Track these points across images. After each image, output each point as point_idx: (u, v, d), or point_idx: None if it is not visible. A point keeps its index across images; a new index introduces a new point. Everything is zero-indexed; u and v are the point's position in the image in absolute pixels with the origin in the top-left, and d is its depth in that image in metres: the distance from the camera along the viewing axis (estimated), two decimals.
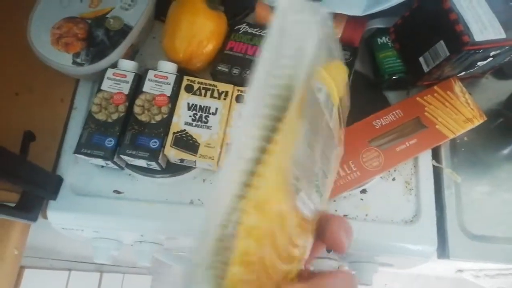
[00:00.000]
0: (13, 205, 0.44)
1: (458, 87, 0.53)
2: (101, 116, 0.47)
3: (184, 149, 0.47)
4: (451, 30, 0.45)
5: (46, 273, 0.57)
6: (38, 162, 0.45)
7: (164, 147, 0.47)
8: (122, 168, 0.50)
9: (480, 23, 0.46)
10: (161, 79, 0.50)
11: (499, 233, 0.50)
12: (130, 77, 0.49)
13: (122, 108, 0.48)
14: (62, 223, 0.50)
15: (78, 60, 0.49)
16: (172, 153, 0.47)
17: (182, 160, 0.48)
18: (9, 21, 0.53)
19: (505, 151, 0.55)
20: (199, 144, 0.47)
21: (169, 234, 0.51)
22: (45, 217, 0.48)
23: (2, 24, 0.54)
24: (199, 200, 0.50)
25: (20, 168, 0.41)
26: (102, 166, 0.51)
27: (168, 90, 0.49)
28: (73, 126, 0.52)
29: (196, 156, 0.47)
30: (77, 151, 0.46)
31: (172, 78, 0.50)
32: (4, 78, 0.53)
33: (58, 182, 0.49)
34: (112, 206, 0.49)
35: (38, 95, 0.53)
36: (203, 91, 0.50)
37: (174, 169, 0.50)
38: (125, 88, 0.49)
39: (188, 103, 0.49)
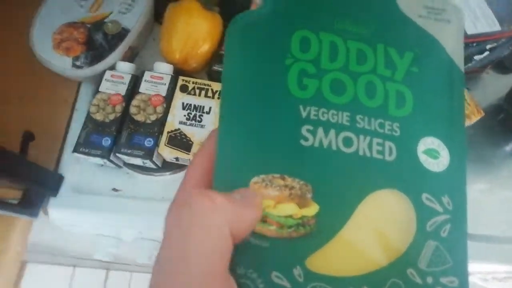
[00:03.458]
0: (15, 202, 0.46)
1: None
2: (98, 117, 0.49)
3: (178, 147, 0.48)
4: None
5: (50, 269, 0.59)
6: (41, 161, 0.47)
7: (158, 145, 0.48)
8: (120, 167, 0.52)
9: (473, 15, 0.45)
10: (156, 80, 0.51)
11: (499, 232, 0.49)
12: (127, 79, 0.51)
13: (119, 108, 0.49)
14: (63, 219, 0.51)
15: (78, 63, 0.51)
16: (167, 152, 0.48)
17: (177, 159, 0.50)
18: (14, 28, 0.56)
19: (507, 148, 0.54)
20: (192, 142, 0.48)
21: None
22: (46, 213, 0.50)
23: (6, 31, 0.57)
24: None
25: (19, 167, 0.43)
26: (101, 165, 0.52)
27: (163, 91, 0.50)
28: (75, 127, 0.54)
29: (189, 154, 0.48)
30: (76, 150, 0.47)
31: (167, 79, 0.51)
32: (9, 83, 0.55)
33: (58, 180, 0.50)
34: (111, 203, 0.50)
35: (42, 98, 0.55)
36: (197, 91, 0.51)
37: (170, 167, 0.51)
38: (122, 89, 0.50)
39: (183, 103, 0.50)
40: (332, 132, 0.19)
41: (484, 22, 0.45)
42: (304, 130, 0.19)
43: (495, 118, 0.55)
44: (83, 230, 0.54)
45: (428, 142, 0.20)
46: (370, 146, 0.19)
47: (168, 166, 0.52)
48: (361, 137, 0.19)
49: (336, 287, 0.18)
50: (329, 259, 0.18)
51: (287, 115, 0.19)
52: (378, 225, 0.18)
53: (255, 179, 0.18)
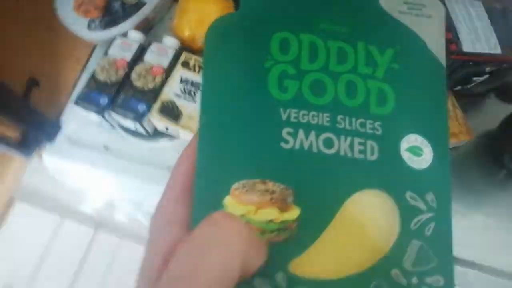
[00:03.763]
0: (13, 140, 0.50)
1: (450, 101, 0.52)
2: (101, 77, 0.52)
3: (167, 116, 0.50)
4: None
5: (38, 213, 0.63)
6: (44, 109, 0.51)
7: (150, 112, 0.51)
8: (114, 127, 0.55)
9: (474, 35, 0.45)
10: (161, 52, 0.54)
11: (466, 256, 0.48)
12: (134, 47, 0.54)
13: (121, 72, 0.52)
14: (55, 166, 0.55)
15: (92, 26, 0.55)
16: (157, 118, 0.50)
17: (167, 129, 0.52)
18: None
19: (492, 176, 0.53)
20: (182, 114, 0.51)
21: (144, 192, 0.54)
22: (40, 158, 0.54)
23: None
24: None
25: (20, 108, 0.47)
26: (98, 124, 0.56)
27: (165, 62, 0.53)
28: (82, 84, 0.58)
29: (178, 125, 0.50)
30: (76, 102, 0.51)
31: (171, 52, 0.54)
32: (28, 34, 0.60)
33: (56, 128, 0.54)
34: (99, 158, 0.54)
35: (56, 54, 0.60)
36: (197, 68, 0.54)
37: (159, 136, 0.54)
38: (128, 56, 0.53)
39: (181, 77, 0.53)
40: (312, 134, 0.19)
41: (484, 44, 0.45)
42: (284, 132, 0.19)
43: (486, 144, 0.54)
44: (72, 181, 0.58)
45: (411, 140, 0.20)
46: (351, 146, 0.19)
47: (158, 135, 0.54)
48: (342, 137, 0.19)
49: None
50: (312, 263, 0.18)
51: (267, 118, 0.19)
52: (361, 226, 0.18)
53: (235, 185, 0.18)
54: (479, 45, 0.45)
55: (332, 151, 0.19)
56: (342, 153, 0.19)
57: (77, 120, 0.56)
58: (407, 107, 0.21)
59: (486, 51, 0.45)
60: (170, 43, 0.55)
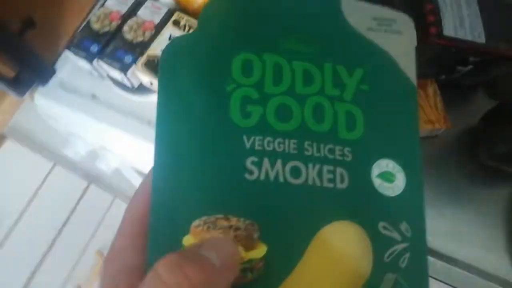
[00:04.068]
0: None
1: (432, 88, 0.51)
2: (95, 26, 0.54)
3: (151, 71, 0.52)
4: (424, 20, 0.45)
5: (29, 155, 0.67)
6: (44, 53, 0.54)
7: (136, 64, 0.53)
8: (103, 78, 0.57)
9: (459, 21, 0.45)
10: (155, 9, 0.55)
11: None
12: (130, 2, 0.56)
13: (114, 24, 0.54)
14: (45, 109, 0.58)
15: None
16: (141, 72, 0.52)
17: (151, 84, 0.54)
18: None
19: (463, 171, 0.53)
20: None
21: (126, 145, 0.57)
22: (32, 99, 0.57)
23: None
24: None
25: (15, 46, 0.50)
26: (89, 72, 0.58)
27: (157, 19, 0.55)
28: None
29: None
30: (68, 47, 0.53)
31: (164, 10, 0.55)
32: None
33: (50, 72, 0.57)
34: (86, 106, 0.56)
35: (62, 1, 0.62)
36: (187, 28, 0.55)
37: (144, 91, 0.56)
38: (123, 9, 0.55)
39: (171, 35, 0.54)
40: (278, 163, 0.18)
41: (468, 32, 0.44)
42: (248, 162, 0.18)
43: (465, 138, 0.53)
44: (60, 126, 0.61)
45: (382, 165, 0.19)
46: (320, 174, 0.18)
47: (144, 90, 0.56)
48: (310, 165, 0.18)
49: None
50: None
51: (229, 147, 0.18)
52: (332, 262, 0.17)
53: (196, 222, 0.16)
54: (462, 31, 0.44)
55: (299, 180, 0.18)
56: (310, 182, 0.18)
57: (70, 66, 0.59)
58: (377, 131, 0.20)
59: (469, 39, 0.44)
60: (166, 1, 0.56)
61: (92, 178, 0.87)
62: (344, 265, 0.17)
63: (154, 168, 0.18)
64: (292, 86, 0.19)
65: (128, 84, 0.55)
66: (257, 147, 0.18)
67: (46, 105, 0.58)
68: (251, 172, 0.18)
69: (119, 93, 0.57)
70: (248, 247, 0.17)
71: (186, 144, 0.18)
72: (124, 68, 0.52)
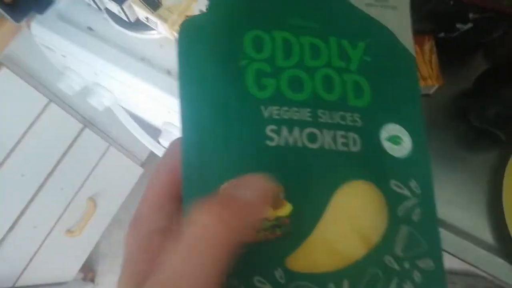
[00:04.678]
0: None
1: (429, 45, 0.51)
2: None
3: (147, 4, 0.52)
4: None
5: (24, 88, 0.67)
6: None
7: None
8: (100, 10, 0.57)
9: None
10: None
11: None
12: None
13: None
14: (41, 39, 0.58)
15: None
16: (137, 4, 0.52)
17: (147, 19, 0.54)
18: None
19: (456, 136, 0.52)
20: (161, 5, 0.52)
21: (115, 78, 0.57)
22: (29, 28, 0.57)
23: None
24: (149, 60, 0.55)
25: None
26: (88, 5, 0.58)
27: None
28: None
29: (155, 14, 0.51)
30: None
31: None
32: None
33: (48, 1, 0.57)
34: (81, 37, 0.56)
35: None
36: None
37: (140, 27, 0.56)
38: None
39: None
40: (296, 130, 0.19)
41: None
42: (268, 130, 0.19)
43: (458, 103, 0.53)
44: (56, 58, 0.61)
45: (389, 129, 0.21)
46: (334, 139, 0.20)
47: (140, 26, 0.56)
48: (325, 131, 0.20)
49: (318, 284, 0.18)
50: (307, 257, 0.18)
51: (249, 117, 0.19)
52: (351, 217, 0.19)
53: (224, 185, 0.18)
54: None
55: (316, 145, 0.19)
56: (326, 146, 0.19)
57: None
58: (382, 98, 0.21)
59: None
60: None
61: (87, 122, 0.87)
62: (362, 220, 0.19)
63: (183, 138, 0.19)
64: (302, 59, 0.21)
65: (125, 18, 0.55)
66: (274, 116, 0.19)
67: (42, 35, 0.58)
68: (271, 139, 0.19)
69: (115, 27, 0.57)
70: (275, 206, 0.18)
71: (210, 114, 0.19)
72: (120, 0, 0.52)
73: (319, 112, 0.20)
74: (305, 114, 0.20)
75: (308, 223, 0.18)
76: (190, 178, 0.19)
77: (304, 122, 0.20)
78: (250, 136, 0.19)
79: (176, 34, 0.52)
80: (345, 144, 0.20)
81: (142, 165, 1.26)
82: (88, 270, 1.25)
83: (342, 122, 0.20)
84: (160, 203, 0.18)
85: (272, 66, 0.20)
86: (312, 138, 0.19)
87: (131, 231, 0.18)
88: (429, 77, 0.49)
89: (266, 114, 0.19)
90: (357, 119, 0.20)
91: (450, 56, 0.52)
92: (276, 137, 0.19)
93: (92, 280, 1.26)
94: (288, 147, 0.19)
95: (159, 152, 0.73)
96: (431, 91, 0.51)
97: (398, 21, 0.23)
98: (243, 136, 0.19)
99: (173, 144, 0.19)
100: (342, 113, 0.20)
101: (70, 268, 1.12)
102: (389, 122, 0.21)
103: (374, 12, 0.22)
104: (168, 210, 0.18)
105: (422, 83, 0.49)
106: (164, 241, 0.17)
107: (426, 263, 0.19)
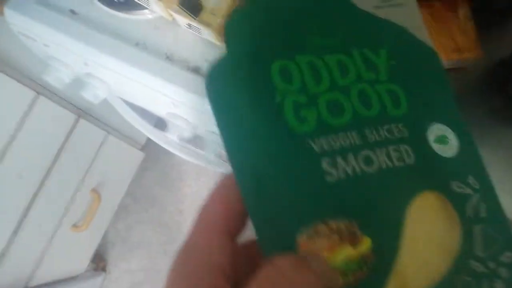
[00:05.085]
0: None
1: (463, 10, 0.44)
2: None
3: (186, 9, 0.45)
4: None
5: (6, 81, 0.61)
6: None
7: None
8: None
9: None
10: None
11: None
12: None
13: None
14: (17, 25, 0.51)
15: None
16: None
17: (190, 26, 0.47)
18: None
19: (492, 108, 0.47)
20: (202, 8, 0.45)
21: (108, 68, 0.51)
22: (2, 13, 0.50)
23: None
24: (144, 44, 0.49)
25: None
26: None
27: None
28: None
29: (196, 19, 0.45)
30: None
31: None
32: None
33: None
34: (63, 22, 0.49)
35: None
36: None
37: (131, 6, 0.49)
38: None
39: None
40: (350, 156, 0.19)
41: None
42: (324, 164, 0.18)
43: (496, 72, 0.47)
44: (38, 47, 0.54)
45: (434, 130, 0.20)
46: (388, 156, 0.19)
47: (130, 5, 0.49)
48: (377, 150, 0.19)
49: None
50: (400, 283, 0.18)
51: (302, 155, 0.18)
52: (428, 232, 0.18)
53: (300, 239, 0.17)
54: None
55: (374, 167, 0.19)
56: (383, 166, 0.19)
57: None
58: (417, 100, 0.20)
59: None
60: None
61: (81, 112, 0.82)
62: (437, 231, 0.19)
63: (241, 190, 0.18)
64: (333, 80, 0.20)
65: None
66: (326, 148, 0.19)
67: (17, 22, 0.51)
68: (331, 174, 0.18)
69: (102, 8, 0.50)
70: (354, 244, 0.17)
71: (261, 164, 0.18)
72: None
73: (366, 131, 0.19)
74: (353, 137, 0.19)
75: (391, 251, 0.18)
76: (264, 232, 0.18)
77: (355, 146, 0.19)
78: (309, 176, 0.18)
79: (173, 13, 0.45)
80: (400, 159, 0.19)
81: (142, 149, 1.21)
82: (99, 260, 1.24)
83: (390, 136, 0.19)
84: (212, 239, 0.18)
85: (306, 94, 0.19)
86: (368, 161, 0.19)
87: (182, 258, 0.18)
88: (465, 49, 0.43)
89: (316, 147, 0.18)
90: (402, 128, 0.20)
91: (482, 20, 0.46)
92: (334, 171, 0.18)
93: (104, 269, 1.25)
94: (349, 179, 0.18)
95: (162, 143, 0.68)
96: (468, 63, 0.45)
97: (408, 16, 0.23)
98: (301, 178, 0.18)
99: (227, 177, 0.19)
100: (387, 126, 0.19)
101: (81, 261, 1.11)
102: (432, 123, 0.20)
103: (384, 13, 0.22)
104: (221, 246, 0.18)
105: (456, 56, 0.43)
106: (216, 275, 0.17)
107: (508, 257, 0.19)
